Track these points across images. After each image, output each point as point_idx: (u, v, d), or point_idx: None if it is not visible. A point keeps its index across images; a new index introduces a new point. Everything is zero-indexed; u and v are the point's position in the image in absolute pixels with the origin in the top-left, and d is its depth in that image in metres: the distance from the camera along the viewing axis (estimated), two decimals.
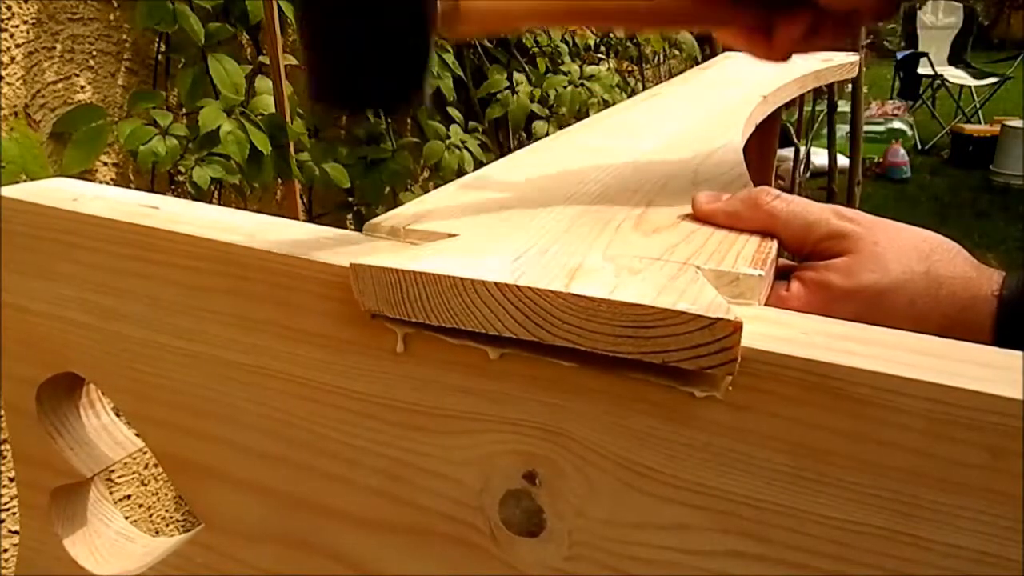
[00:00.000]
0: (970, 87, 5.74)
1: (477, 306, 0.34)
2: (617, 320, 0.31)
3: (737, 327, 0.30)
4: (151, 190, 1.15)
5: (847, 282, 0.40)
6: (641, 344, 0.31)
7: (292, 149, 1.28)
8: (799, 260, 0.44)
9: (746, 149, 0.66)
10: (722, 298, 0.32)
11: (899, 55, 6.19)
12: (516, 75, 1.87)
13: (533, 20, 0.41)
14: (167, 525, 1.34)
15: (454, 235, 0.40)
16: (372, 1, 0.37)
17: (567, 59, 2.07)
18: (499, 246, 0.38)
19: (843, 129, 3.01)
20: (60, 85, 1.08)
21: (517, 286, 0.33)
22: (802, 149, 3.00)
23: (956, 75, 5.81)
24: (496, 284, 0.33)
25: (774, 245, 0.40)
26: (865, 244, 0.41)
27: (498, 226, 0.41)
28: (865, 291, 0.40)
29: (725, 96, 0.86)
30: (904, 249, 0.41)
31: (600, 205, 0.46)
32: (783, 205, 0.41)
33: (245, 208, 1.11)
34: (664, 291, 0.32)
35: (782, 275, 0.43)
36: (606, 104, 1.93)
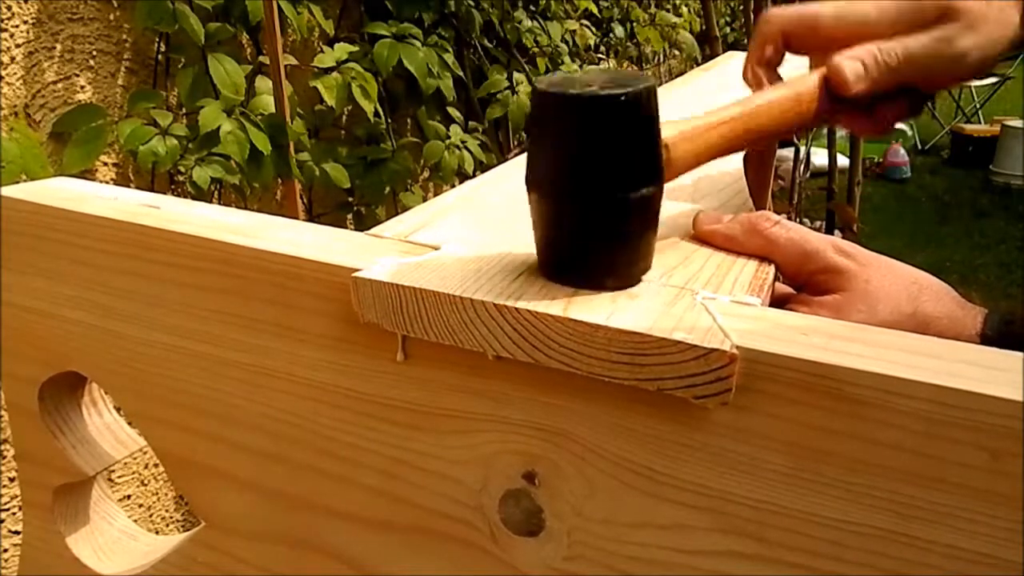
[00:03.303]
0: (970, 87, 5.73)
1: (475, 324, 0.34)
2: (613, 346, 0.31)
3: (732, 358, 0.30)
4: (151, 190, 1.15)
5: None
6: (636, 371, 0.31)
7: (292, 149, 1.28)
8: (794, 287, 0.44)
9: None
10: (718, 327, 0.32)
11: None
12: (516, 75, 1.87)
13: (719, 154, 0.44)
14: (167, 525, 1.34)
15: (455, 248, 0.40)
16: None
17: (567, 59, 2.08)
18: (499, 263, 0.38)
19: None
20: (60, 85, 1.08)
21: (516, 308, 0.33)
22: (802, 149, 2.99)
23: None
24: (495, 305, 0.33)
25: (771, 271, 0.40)
26: (857, 283, 0.42)
27: (499, 239, 0.41)
28: None
29: (726, 101, 0.85)
30: (894, 289, 0.42)
31: None
32: (782, 232, 0.42)
33: (245, 208, 1.11)
34: (660, 318, 0.32)
35: (777, 304, 0.44)
36: None
